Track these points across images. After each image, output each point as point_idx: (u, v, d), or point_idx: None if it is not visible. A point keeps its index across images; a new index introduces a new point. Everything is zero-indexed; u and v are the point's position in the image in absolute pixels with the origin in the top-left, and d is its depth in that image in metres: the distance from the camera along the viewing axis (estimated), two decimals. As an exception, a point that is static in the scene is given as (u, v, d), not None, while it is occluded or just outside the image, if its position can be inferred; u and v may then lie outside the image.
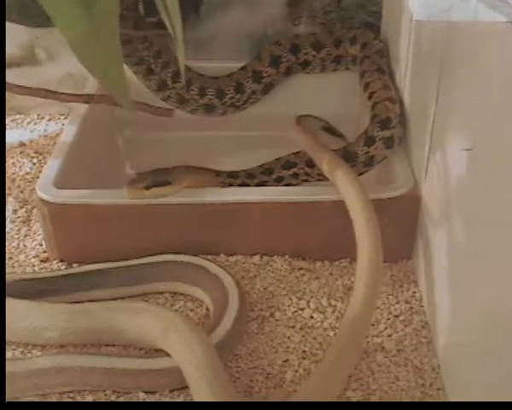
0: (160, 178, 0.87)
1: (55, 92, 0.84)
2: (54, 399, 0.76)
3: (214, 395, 0.71)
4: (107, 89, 0.59)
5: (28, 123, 1.22)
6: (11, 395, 0.75)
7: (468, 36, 0.70)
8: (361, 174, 0.90)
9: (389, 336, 0.82)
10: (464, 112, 0.71)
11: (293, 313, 0.85)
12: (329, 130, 0.98)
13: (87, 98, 0.88)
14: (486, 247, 0.65)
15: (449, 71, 0.75)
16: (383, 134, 0.91)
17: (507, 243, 0.59)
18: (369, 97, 0.97)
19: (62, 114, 1.21)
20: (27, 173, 1.09)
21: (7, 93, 1.15)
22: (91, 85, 1.04)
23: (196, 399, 0.73)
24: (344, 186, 0.82)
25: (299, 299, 0.86)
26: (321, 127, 0.99)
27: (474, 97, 0.68)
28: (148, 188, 0.86)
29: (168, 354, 0.76)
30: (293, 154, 0.94)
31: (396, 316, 0.84)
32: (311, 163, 0.91)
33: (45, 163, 0.93)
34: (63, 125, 1.18)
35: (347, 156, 0.90)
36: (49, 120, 1.22)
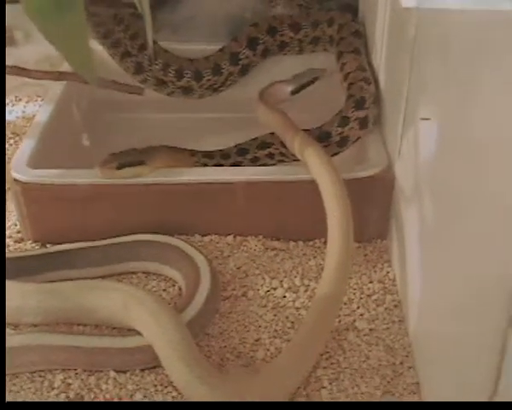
0: (133, 157, 0.87)
1: (26, 69, 0.84)
2: (24, 378, 0.76)
3: (189, 368, 0.71)
4: (73, 65, 0.59)
5: (6, 104, 1.21)
6: (-18, 373, 0.75)
7: (439, 20, 0.70)
8: (335, 154, 0.90)
9: (361, 315, 0.82)
10: (434, 92, 0.71)
11: (265, 292, 0.85)
12: (302, 87, 0.95)
13: (58, 75, 0.88)
14: (457, 226, 0.64)
15: (420, 51, 0.75)
16: (358, 114, 0.90)
17: (477, 222, 0.59)
18: (345, 78, 0.97)
19: (40, 96, 1.21)
20: (4, 155, 1.09)
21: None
22: (68, 67, 1.03)
23: (170, 374, 0.74)
24: (315, 166, 0.82)
25: (272, 278, 0.86)
26: (291, 92, 0.96)
27: (444, 78, 0.68)
28: (120, 168, 0.85)
29: (139, 333, 0.76)
30: (269, 134, 0.93)
31: (369, 295, 0.84)
32: (286, 143, 0.91)
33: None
34: (41, 106, 1.17)
35: (321, 136, 0.89)
36: (27, 101, 1.21)
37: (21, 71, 0.84)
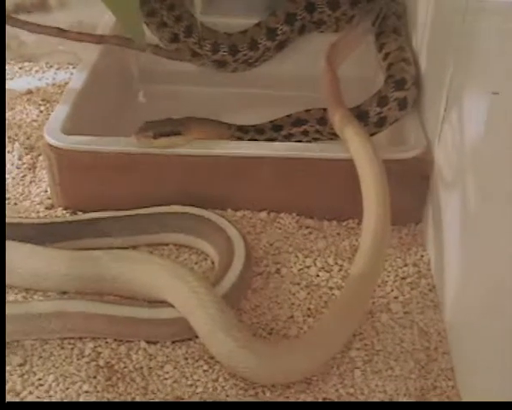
0: (169, 127, 0.86)
1: (67, 31, 0.83)
2: (55, 345, 0.75)
3: (232, 337, 0.70)
4: (125, 27, 0.59)
5: (36, 71, 1.20)
6: (11, 337, 0.74)
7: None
8: (372, 134, 0.89)
9: (395, 298, 0.81)
10: (482, 78, 0.70)
11: (298, 270, 0.84)
12: (378, 16, 0.98)
13: (99, 38, 0.87)
14: (498, 212, 0.63)
15: (469, 34, 0.74)
16: (397, 95, 0.89)
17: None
18: (384, 58, 0.95)
19: (71, 64, 1.20)
20: (34, 120, 1.08)
21: (16, 40, 1.15)
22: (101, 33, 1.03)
23: (210, 346, 0.72)
24: (353, 144, 0.81)
25: (306, 257, 0.85)
26: (373, 23, 0.97)
27: (494, 61, 0.66)
28: (156, 137, 0.84)
29: (171, 305, 0.75)
30: (305, 111, 0.92)
31: (403, 278, 0.83)
32: (322, 121, 0.90)
33: (52, 111, 0.92)
34: (72, 74, 1.16)
35: (359, 115, 0.88)
36: (57, 68, 1.20)
37: (62, 32, 0.83)
